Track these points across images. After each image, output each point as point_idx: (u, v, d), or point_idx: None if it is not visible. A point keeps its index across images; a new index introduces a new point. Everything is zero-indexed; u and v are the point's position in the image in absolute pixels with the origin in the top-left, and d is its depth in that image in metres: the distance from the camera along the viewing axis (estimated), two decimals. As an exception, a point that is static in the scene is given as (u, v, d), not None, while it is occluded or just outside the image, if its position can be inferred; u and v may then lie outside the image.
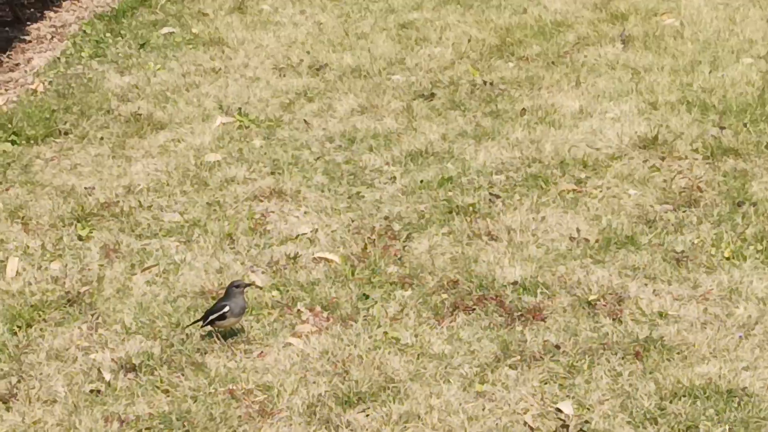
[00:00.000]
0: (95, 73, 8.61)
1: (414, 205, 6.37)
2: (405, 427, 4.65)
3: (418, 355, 5.10)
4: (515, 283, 5.56)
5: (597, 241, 5.87)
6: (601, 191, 6.39)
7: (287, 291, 5.63)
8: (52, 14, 10.26)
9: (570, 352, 5.04)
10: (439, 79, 8.14)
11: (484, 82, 8.00)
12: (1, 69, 9.06)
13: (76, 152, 7.32)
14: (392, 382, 4.91)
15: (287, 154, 7.09)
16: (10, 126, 7.55)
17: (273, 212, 6.40)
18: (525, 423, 4.65)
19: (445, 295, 5.51)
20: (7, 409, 4.93)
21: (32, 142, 7.43)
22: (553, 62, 8.35)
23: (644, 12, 9.22)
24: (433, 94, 7.88)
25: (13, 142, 7.42)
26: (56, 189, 6.80)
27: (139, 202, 6.57)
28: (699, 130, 7.03)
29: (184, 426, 4.74)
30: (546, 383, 4.87)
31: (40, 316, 5.56)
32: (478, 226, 6.09)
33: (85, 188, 6.78)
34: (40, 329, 5.47)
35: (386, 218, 6.26)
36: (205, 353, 5.20)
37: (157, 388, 4.99)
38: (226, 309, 5.17)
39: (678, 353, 4.98)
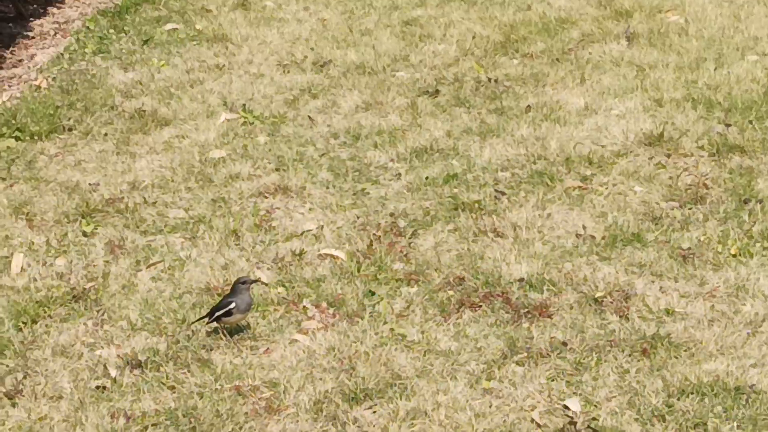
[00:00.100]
0: (99, 69, 8.60)
1: (419, 202, 6.36)
2: (412, 423, 4.64)
3: (425, 351, 5.09)
4: (521, 279, 5.55)
5: (603, 238, 5.86)
6: (606, 188, 6.38)
7: (293, 287, 5.62)
8: (55, 10, 10.24)
9: (577, 348, 5.03)
10: (443, 76, 8.13)
11: (489, 79, 7.98)
12: (5, 65, 9.04)
13: (80, 148, 7.30)
14: (399, 378, 4.90)
15: (292, 151, 7.08)
16: (14, 122, 7.53)
17: (278, 209, 6.39)
18: (532, 420, 4.64)
19: (451, 292, 5.50)
20: (13, 405, 4.92)
21: (36, 138, 7.42)
22: (557, 59, 8.34)
23: (649, 9, 9.20)
24: (437, 91, 7.87)
25: (17, 138, 7.41)
26: (61, 185, 6.79)
27: (144, 198, 6.56)
28: (704, 127, 7.02)
29: (190, 422, 4.73)
30: (553, 380, 4.86)
31: (45, 312, 5.55)
32: (484, 222, 6.08)
33: (90, 184, 6.77)
34: (46, 325, 5.46)
35: (391, 215, 6.25)
36: (211, 350, 5.19)
37: (163, 384, 4.99)
38: (232, 305, 5.16)
39: (685, 350, 4.97)
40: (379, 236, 6.02)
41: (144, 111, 7.73)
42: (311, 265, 5.80)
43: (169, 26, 9.43)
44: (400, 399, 4.78)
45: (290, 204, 6.44)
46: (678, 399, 4.66)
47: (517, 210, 6.20)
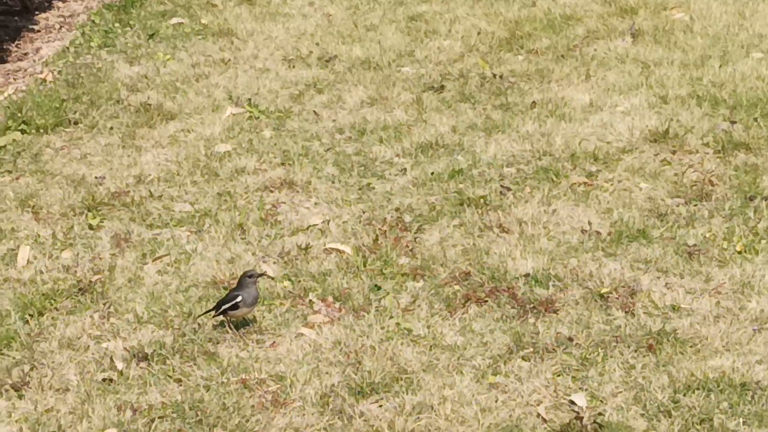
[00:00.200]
0: (104, 63, 8.60)
1: (425, 197, 6.37)
2: (418, 418, 4.65)
3: (431, 346, 5.10)
4: (527, 275, 5.56)
5: (609, 234, 5.87)
6: (612, 184, 6.39)
7: (299, 281, 5.63)
8: (60, 4, 10.25)
9: (583, 344, 5.04)
10: (448, 72, 8.14)
11: (494, 75, 7.99)
12: (10, 58, 9.05)
13: (86, 142, 7.31)
14: (405, 373, 4.92)
15: (297, 145, 7.09)
16: (19, 115, 7.54)
17: (284, 203, 6.40)
18: (538, 415, 4.65)
19: (457, 287, 5.51)
20: (20, 397, 4.93)
21: (42, 131, 7.43)
22: (562, 55, 8.34)
23: (653, 6, 9.20)
24: (442, 87, 7.88)
25: (22, 131, 7.42)
26: (66, 178, 6.80)
27: (150, 191, 6.57)
28: (709, 124, 7.02)
29: (196, 415, 4.74)
30: (559, 375, 4.86)
31: (51, 304, 5.56)
32: (490, 218, 6.09)
33: (96, 178, 6.78)
34: (52, 318, 5.47)
35: (397, 210, 6.26)
36: (218, 343, 5.20)
37: (170, 377, 5.00)
38: (239, 299, 5.17)
39: (691, 346, 4.98)
40: (385, 231, 6.03)
41: (149, 105, 7.74)
42: (317, 260, 5.81)
43: (174, 20, 9.44)
44: (407, 393, 4.78)
45: (296, 198, 6.45)
46: (684, 395, 4.67)
47: (523, 206, 6.20)
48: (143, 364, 5.09)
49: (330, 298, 5.47)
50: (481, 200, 6.26)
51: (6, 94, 8.11)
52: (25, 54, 9.17)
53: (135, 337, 5.28)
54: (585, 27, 8.88)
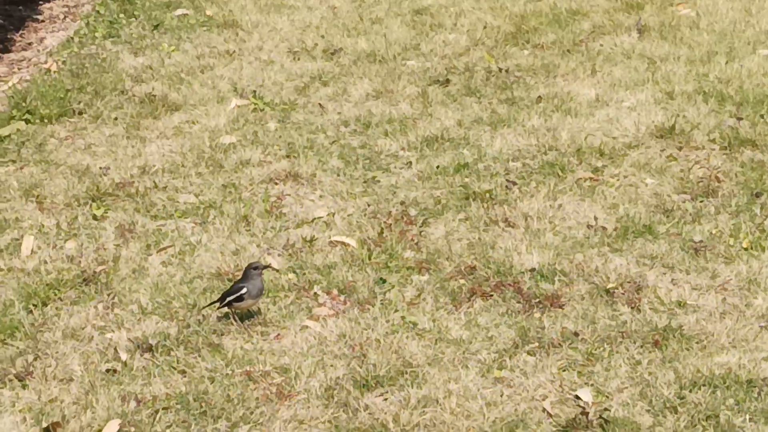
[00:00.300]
0: (109, 54, 8.58)
1: (430, 191, 6.35)
2: (423, 411, 4.63)
3: (436, 340, 5.08)
4: (533, 269, 5.54)
5: (615, 229, 5.85)
6: (618, 180, 6.37)
7: (304, 274, 5.61)
8: (64, -6, 10.23)
9: (588, 339, 5.02)
10: (454, 66, 8.12)
11: (500, 69, 7.97)
12: (14, 48, 9.03)
13: (90, 132, 7.30)
14: (410, 366, 4.90)
15: (302, 138, 7.07)
16: (24, 105, 7.52)
17: (288, 195, 6.38)
18: (543, 409, 4.64)
19: (462, 281, 5.50)
20: (24, 387, 4.92)
21: (46, 121, 7.41)
22: (568, 50, 8.33)
23: (660, 1, 9.19)
24: (448, 80, 7.86)
25: (27, 121, 7.40)
26: (71, 168, 6.78)
27: (155, 182, 6.55)
28: (716, 121, 7.00)
29: (201, 407, 4.73)
30: (564, 370, 4.85)
31: (55, 294, 5.54)
32: (495, 212, 6.07)
33: (100, 168, 6.76)
34: (56, 308, 5.45)
35: (402, 203, 6.24)
36: (222, 335, 5.19)
37: (174, 368, 4.98)
38: (244, 291, 5.15)
39: (697, 342, 4.97)
40: (390, 224, 6.02)
41: (154, 96, 7.72)
42: (322, 252, 5.80)
43: (179, 11, 9.42)
44: (412, 387, 4.77)
45: (301, 191, 6.43)
46: (690, 391, 4.65)
47: (528, 200, 6.19)
48: (147, 355, 5.07)
49: (335, 291, 5.46)
50: (487, 194, 6.24)
51: (10, 84, 8.10)
52: (30, 44, 9.15)
53: (139, 328, 5.26)
54: (591, 22, 8.86)
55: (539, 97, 7.51)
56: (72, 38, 9.00)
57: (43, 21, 9.61)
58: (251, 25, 9.07)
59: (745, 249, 5.64)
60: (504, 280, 5.48)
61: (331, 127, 7.24)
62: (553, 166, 6.54)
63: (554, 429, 4.53)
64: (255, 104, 7.55)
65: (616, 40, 8.47)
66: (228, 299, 5.19)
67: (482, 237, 5.85)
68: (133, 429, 4.62)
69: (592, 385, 4.74)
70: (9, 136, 7.21)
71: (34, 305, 5.45)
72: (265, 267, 5.31)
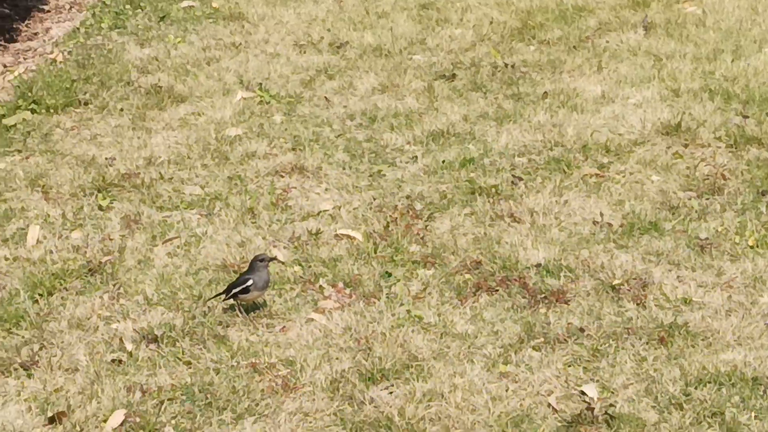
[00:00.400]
0: (115, 45, 8.58)
1: (436, 185, 6.35)
2: (429, 405, 4.63)
3: (441, 334, 5.08)
4: (538, 265, 5.54)
5: (621, 225, 5.85)
6: (624, 176, 6.37)
7: (309, 267, 5.62)
8: (70, -16, 10.22)
9: (594, 335, 5.02)
10: (460, 61, 8.12)
11: (506, 65, 7.97)
12: (20, 38, 9.03)
13: (96, 122, 7.30)
14: (415, 360, 4.90)
15: (308, 131, 7.07)
16: (30, 94, 7.52)
17: (294, 188, 6.38)
18: (549, 405, 4.64)
19: (468, 276, 5.50)
20: (29, 376, 4.92)
21: (52, 111, 7.42)
22: (574, 47, 8.32)
23: (666, -1, 9.19)
24: (454, 75, 7.85)
25: (33, 111, 7.40)
26: (76, 158, 6.78)
27: (160, 174, 6.55)
28: (722, 119, 7.00)
29: (206, 398, 4.73)
30: (570, 366, 4.85)
31: (61, 284, 5.55)
32: (501, 207, 6.07)
33: (106, 159, 6.76)
34: (62, 298, 5.46)
35: (408, 197, 6.24)
36: (227, 326, 5.19)
37: (179, 359, 4.98)
38: (250, 282, 5.15)
39: (703, 340, 4.97)
40: (396, 218, 6.02)
41: (160, 87, 7.72)
42: (328, 245, 5.80)
43: (185, 3, 9.41)
44: (417, 380, 4.77)
45: (306, 184, 6.43)
46: (695, 388, 4.65)
47: (534, 196, 6.19)
48: (153, 346, 5.08)
49: (340, 284, 5.46)
50: (493, 189, 6.24)
51: (16, 73, 8.10)
52: (35, 34, 9.15)
53: (144, 319, 5.27)
54: (597, 19, 8.86)
55: (545, 93, 7.51)
56: (78, 29, 9.00)
57: (48, 11, 9.60)
58: (257, 18, 9.07)
59: (751, 247, 5.65)
60: (509, 275, 5.48)
61: (336, 120, 7.25)
62: (559, 162, 6.55)
63: (559, 424, 4.53)
64: (261, 97, 7.55)
65: (622, 36, 8.47)
66: (234, 291, 5.19)
67: (488, 232, 5.86)
68: (138, 419, 4.62)
69: (597, 381, 4.75)
70: (15, 125, 7.22)
71: (39, 295, 5.46)
72: (272, 259, 5.31)
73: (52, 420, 4.64)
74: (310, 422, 4.60)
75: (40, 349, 5.08)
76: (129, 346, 5.07)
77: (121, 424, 4.60)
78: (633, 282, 5.39)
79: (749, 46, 8.15)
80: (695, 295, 5.28)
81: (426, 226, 5.95)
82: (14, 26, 9.15)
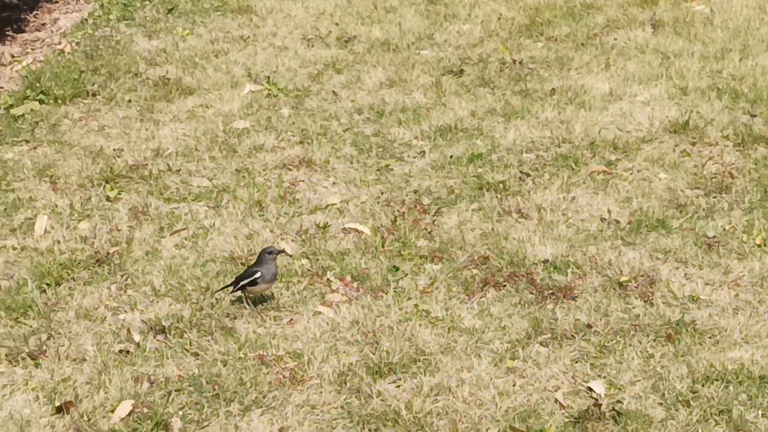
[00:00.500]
0: (123, 36, 8.58)
1: (443, 180, 6.36)
2: (436, 399, 4.64)
3: (449, 328, 5.09)
4: (546, 261, 5.55)
5: (629, 223, 5.86)
6: (631, 174, 6.37)
7: (317, 260, 5.62)
8: (78, -24, 10.21)
9: (601, 331, 5.03)
10: (468, 56, 8.11)
11: (514, 61, 7.97)
12: (28, 28, 9.03)
13: (104, 114, 7.30)
14: (423, 354, 4.91)
15: (316, 124, 7.07)
16: (38, 85, 7.53)
17: (302, 181, 6.38)
18: (556, 400, 4.64)
19: (475, 271, 5.50)
20: (36, 366, 4.93)
21: (60, 101, 7.42)
22: (582, 44, 8.32)
23: (674, -3, 9.19)
24: (462, 71, 7.86)
25: (41, 101, 7.41)
26: (84, 149, 6.79)
27: (168, 165, 6.56)
28: (729, 117, 7.00)
29: (214, 389, 4.73)
30: (577, 362, 4.86)
31: (69, 274, 5.55)
32: (509, 203, 6.08)
33: (114, 150, 6.77)
34: (69, 288, 5.46)
35: (415, 192, 6.24)
36: (235, 318, 5.20)
37: (187, 350, 4.99)
38: (258, 275, 5.16)
39: (710, 337, 4.97)
40: (403, 213, 6.02)
41: (168, 79, 7.73)
42: (335, 239, 5.80)
43: (193, -4, 9.43)
44: (424, 375, 4.78)
45: (314, 177, 6.44)
46: (702, 385, 4.66)
47: (542, 192, 6.19)
48: (160, 337, 5.08)
49: (348, 278, 5.46)
50: (500, 185, 6.25)
51: (24, 64, 8.10)
52: (43, 24, 9.15)
53: (152, 310, 5.27)
54: (605, 16, 8.86)
55: (553, 89, 7.51)
56: (86, 20, 9.01)
57: (56, 2, 9.60)
58: (265, 11, 9.07)
59: (758, 245, 5.65)
60: (517, 271, 5.49)
61: (344, 114, 7.25)
62: (567, 158, 6.55)
63: (566, 420, 4.54)
64: (269, 90, 7.55)
65: (630, 34, 8.47)
66: (242, 283, 5.19)
67: (495, 227, 5.86)
68: (145, 410, 4.63)
69: (604, 377, 4.75)
70: (23, 115, 7.22)
71: (47, 284, 5.46)
72: (280, 252, 5.31)
73: (59, 409, 4.65)
74: (318, 415, 4.60)
75: (48, 338, 5.08)
76: (136, 337, 5.08)
77: (129, 415, 4.61)
78: (640, 279, 5.39)
79: (757, 45, 8.15)
80: (702, 293, 5.28)
81: (434, 221, 5.96)
82: (22, 16, 9.15)
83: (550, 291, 5.33)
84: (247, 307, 5.24)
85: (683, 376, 4.72)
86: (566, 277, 5.43)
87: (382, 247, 5.70)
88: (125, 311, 5.28)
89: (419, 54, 8.19)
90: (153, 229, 5.92)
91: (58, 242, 5.82)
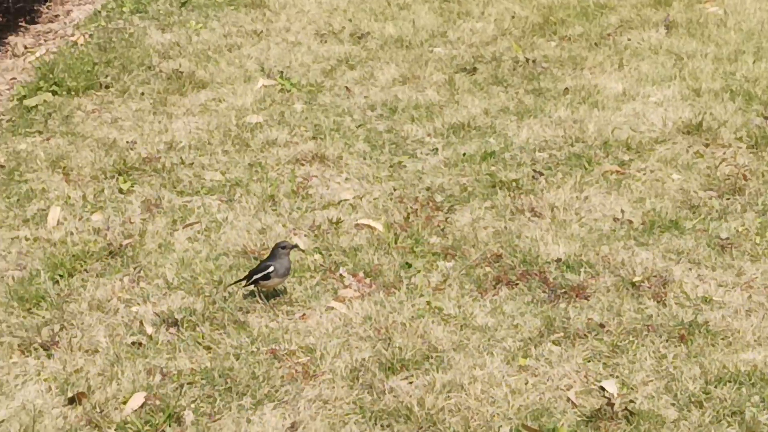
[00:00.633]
0: (136, 29, 8.59)
1: (456, 178, 6.35)
2: (448, 396, 4.64)
3: (461, 326, 5.08)
4: (559, 260, 5.54)
5: (642, 223, 5.85)
6: (644, 174, 6.36)
7: (330, 255, 5.62)
8: (91, -32, 10.22)
9: (614, 331, 5.02)
10: (481, 54, 8.11)
11: (527, 60, 7.96)
12: (41, 19, 9.04)
13: (116, 106, 7.31)
14: (435, 351, 4.91)
15: (329, 120, 7.07)
16: (51, 76, 7.54)
17: (315, 176, 6.39)
18: (568, 399, 4.64)
19: (488, 268, 5.50)
20: (49, 357, 4.93)
21: (73, 93, 7.43)
22: (595, 43, 8.31)
23: (688, -1, 9.18)
24: (475, 69, 7.85)
25: (54, 93, 7.42)
26: (97, 141, 6.79)
27: (181, 159, 6.56)
28: (743, 119, 6.99)
29: (226, 383, 4.74)
30: (589, 361, 4.85)
31: (81, 266, 5.56)
32: (522, 201, 6.07)
33: (127, 142, 6.77)
34: (82, 279, 5.47)
35: (428, 189, 6.24)
36: (248, 312, 5.20)
37: (199, 344, 4.99)
38: (271, 269, 5.16)
39: (722, 339, 4.96)
40: (416, 209, 6.02)
41: (181, 72, 7.73)
42: (348, 234, 5.80)
43: (206, -10, 9.43)
44: (437, 371, 4.78)
45: (327, 173, 6.44)
46: (715, 386, 4.65)
47: (555, 191, 6.18)
48: (173, 330, 5.09)
49: (361, 274, 5.46)
50: (513, 183, 6.24)
51: (37, 55, 8.10)
52: (56, 16, 9.16)
53: (165, 303, 5.28)
54: (618, 16, 8.85)
55: (566, 88, 7.50)
56: (99, 12, 9.02)
57: (69, -6, 9.61)
58: (278, 6, 9.07)
59: (772, 248, 5.65)
60: (530, 270, 5.48)
61: (357, 110, 7.25)
62: (580, 157, 6.54)
63: (579, 419, 4.53)
64: (282, 85, 7.55)
65: (644, 35, 8.46)
66: (255, 277, 5.19)
67: (508, 226, 5.86)
68: (158, 402, 4.63)
69: (617, 377, 4.75)
70: (36, 106, 7.23)
71: (60, 276, 5.47)
72: (293, 247, 5.30)
73: (71, 400, 4.65)
74: (330, 410, 4.60)
75: (61, 329, 5.09)
76: (149, 329, 5.08)
77: (141, 407, 4.61)
78: (653, 279, 5.39)
79: (771, 47, 8.15)
80: (715, 295, 5.27)
81: (446, 218, 5.96)
82: (35, 8, 9.16)
83: (563, 290, 5.32)
84: (260, 301, 5.24)
85: (696, 377, 4.72)
86: (579, 277, 5.42)
87: (395, 243, 5.70)
88: (138, 303, 5.28)
89: (432, 51, 8.19)
90: (166, 222, 5.92)
91: (71, 234, 5.82)
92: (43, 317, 5.18)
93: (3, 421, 4.57)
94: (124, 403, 4.63)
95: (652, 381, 4.72)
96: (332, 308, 5.21)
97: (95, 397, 4.66)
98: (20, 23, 8.85)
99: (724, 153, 6.59)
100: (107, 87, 7.54)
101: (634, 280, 5.37)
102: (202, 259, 5.59)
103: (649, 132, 6.86)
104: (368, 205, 6.07)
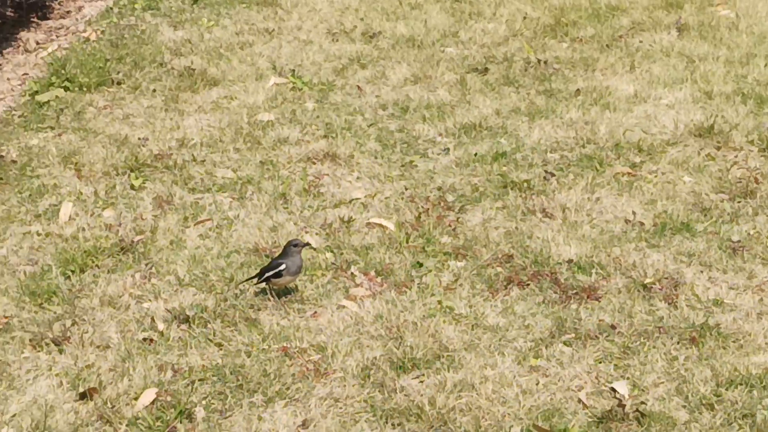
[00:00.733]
0: (148, 26, 8.60)
1: (468, 178, 6.36)
2: (459, 395, 4.64)
3: (473, 325, 5.09)
4: (570, 261, 5.54)
5: (654, 225, 5.85)
6: (656, 176, 6.36)
7: (341, 254, 5.62)
8: (103, -36, 10.23)
9: (625, 332, 5.02)
10: (492, 55, 8.11)
11: (539, 61, 7.96)
12: (52, 15, 9.05)
13: (128, 102, 7.32)
14: (446, 350, 4.91)
15: (340, 119, 7.08)
16: (63, 72, 7.55)
17: (326, 175, 6.39)
18: (579, 400, 4.64)
19: (499, 269, 5.50)
20: (60, 352, 4.94)
21: (85, 89, 7.44)
22: (607, 45, 8.31)
23: (699, 1, 9.15)
24: (486, 69, 7.85)
25: (66, 89, 7.43)
26: (109, 137, 6.80)
27: (193, 156, 6.57)
28: (754, 123, 6.98)
29: (237, 380, 4.74)
30: (601, 362, 4.85)
31: (93, 262, 5.57)
32: (533, 202, 6.07)
33: (139, 139, 6.78)
34: (94, 275, 5.48)
35: (440, 189, 6.24)
36: (259, 310, 5.20)
37: (211, 340, 5.00)
38: (283, 267, 5.16)
39: (734, 341, 4.96)
40: (428, 209, 6.02)
41: (193, 70, 7.74)
42: (359, 233, 5.81)
43: (218, -13, 9.44)
44: (448, 371, 4.78)
45: (338, 171, 6.44)
46: (726, 389, 4.65)
47: (566, 192, 6.18)
48: (184, 326, 5.09)
49: (372, 272, 5.47)
50: (525, 184, 6.24)
51: (49, 51, 8.11)
52: (68, 12, 9.17)
53: (176, 299, 5.28)
54: (630, 18, 8.84)
55: (578, 90, 7.50)
56: (111, 8, 9.03)
57: (81, -10, 9.62)
58: (290, 4, 9.08)
59: (783, 251, 5.65)
60: (541, 270, 5.48)
61: (368, 109, 7.25)
62: (591, 159, 6.54)
63: (590, 420, 4.53)
64: (293, 83, 7.56)
65: (655, 37, 8.45)
66: (266, 275, 5.20)
67: (519, 226, 5.86)
68: (169, 398, 4.64)
69: (628, 378, 4.74)
70: (48, 102, 7.25)
71: (71, 271, 5.48)
72: (305, 245, 5.31)
73: (83, 396, 4.66)
74: (341, 408, 4.61)
75: (72, 325, 5.10)
76: (160, 326, 5.09)
77: (152, 402, 4.62)
78: (664, 281, 5.39)
79: (782, 51, 8.14)
80: (726, 297, 5.27)
81: (458, 218, 5.96)
82: (47, 3, 9.17)
83: (574, 291, 5.32)
84: (272, 298, 5.25)
85: (707, 380, 4.71)
86: (590, 278, 5.42)
87: (406, 242, 5.70)
88: (149, 300, 5.29)
89: (444, 51, 8.19)
90: (177, 219, 5.93)
91: (83, 229, 5.83)
92: (55, 312, 5.19)
93: (15, 415, 4.58)
94: (136, 398, 4.64)
95: (663, 383, 4.72)
96: (343, 307, 5.22)
97: (106, 393, 4.67)
98: (32, 19, 8.87)
99: (736, 156, 6.58)
100: (119, 83, 7.55)
101: (645, 282, 5.37)
102: (214, 257, 5.60)
103: (660, 134, 6.86)
104: (380, 204, 6.08)
